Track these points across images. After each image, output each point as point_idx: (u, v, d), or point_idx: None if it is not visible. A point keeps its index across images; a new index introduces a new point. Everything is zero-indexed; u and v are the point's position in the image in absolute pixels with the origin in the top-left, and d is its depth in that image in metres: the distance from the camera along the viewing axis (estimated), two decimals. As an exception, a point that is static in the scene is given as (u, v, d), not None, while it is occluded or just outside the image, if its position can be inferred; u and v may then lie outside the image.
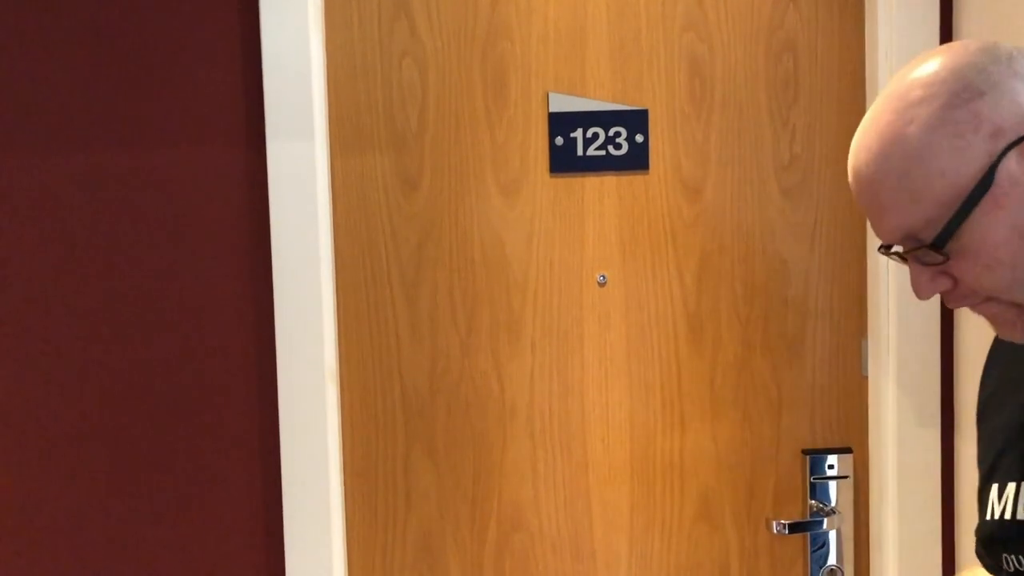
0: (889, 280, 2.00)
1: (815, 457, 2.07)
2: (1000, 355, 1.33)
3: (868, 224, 1.76)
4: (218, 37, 1.93)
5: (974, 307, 1.15)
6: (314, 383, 1.96)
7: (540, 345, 2.06)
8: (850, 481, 2.08)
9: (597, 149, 2.04)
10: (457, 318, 2.05)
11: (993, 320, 1.15)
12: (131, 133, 1.93)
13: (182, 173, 1.94)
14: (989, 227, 1.08)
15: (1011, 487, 1.21)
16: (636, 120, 2.04)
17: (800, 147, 2.06)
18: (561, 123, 2.03)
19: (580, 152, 2.04)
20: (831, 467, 2.08)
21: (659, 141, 2.05)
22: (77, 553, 1.97)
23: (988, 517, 1.24)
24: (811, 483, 2.08)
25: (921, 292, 1.14)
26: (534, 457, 2.07)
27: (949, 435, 2.03)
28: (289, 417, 1.95)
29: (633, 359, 2.07)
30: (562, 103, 2.03)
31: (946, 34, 1.98)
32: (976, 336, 1.91)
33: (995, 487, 1.24)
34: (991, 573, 1.26)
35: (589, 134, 2.04)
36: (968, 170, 1.07)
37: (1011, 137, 1.07)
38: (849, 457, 2.08)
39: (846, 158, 1.18)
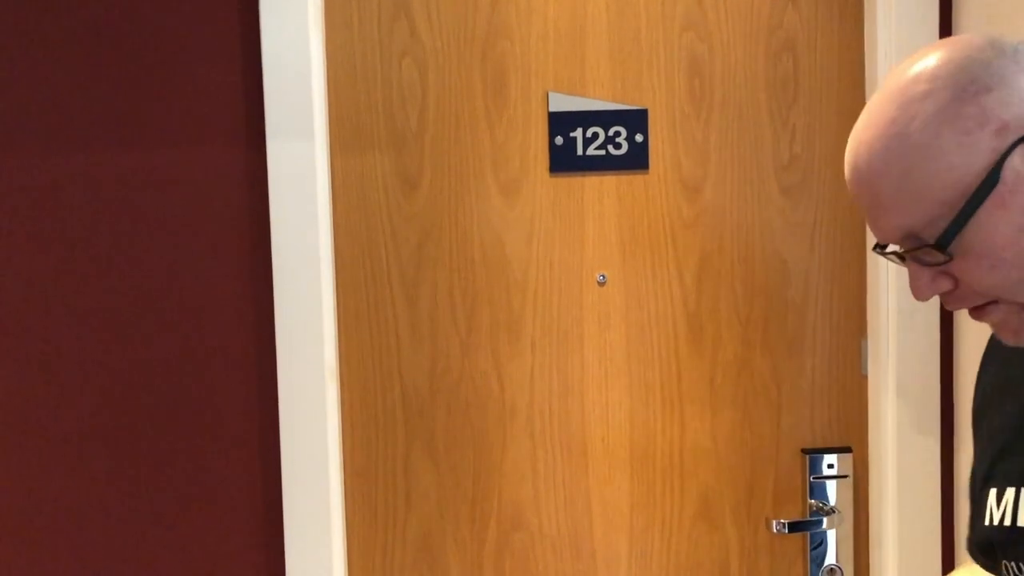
0: (889, 280, 2.00)
1: (815, 456, 2.08)
2: (996, 354, 1.30)
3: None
4: (218, 37, 1.93)
5: (976, 314, 1.11)
6: (314, 383, 1.96)
7: (540, 345, 2.06)
8: (850, 480, 2.08)
9: (597, 149, 2.04)
10: (457, 318, 2.05)
11: (997, 326, 1.12)
12: (131, 133, 1.93)
13: (182, 173, 1.94)
14: (994, 226, 1.04)
15: (1010, 492, 1.19)
16: (636, 120, 2.04)
17: (800, 147, 2.07)
18: (561, 123, 2.03)
19: (580, 152, 2.04)
20: (831, 466, 2.08)
21: (659, 141, 2.05)
22: (77, 553, 1.97)
23: (987, 523, 1.21)
24: (811, 482, 2.08)
25: (920, 293, 1.10)
26: (534, 457, 2.07)
27: (949, 434, 2.03)
28: (289, 417, 1.95)
29: (633, 359, 2.07)
30: (562, 103, 2.03)
31: (945, 34, 1.98)
32: (976, 335, 1.91)
33: (993, 491, 1.22)
34: (990, 575, 1.26)
35: (589, 134, 2.04)
36: (973, 168, 1.03)
37: (1017, 134, 1.03)
38: (849, 456, 2.08)
39: (846, 157, 1.15)
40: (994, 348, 1.30)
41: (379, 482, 2.06)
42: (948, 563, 2.03)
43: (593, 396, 2.07)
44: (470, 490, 2.07)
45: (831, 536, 2.08)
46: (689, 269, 2.06)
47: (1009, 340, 1.12)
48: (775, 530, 2.04)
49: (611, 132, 2.04)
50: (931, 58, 1.07)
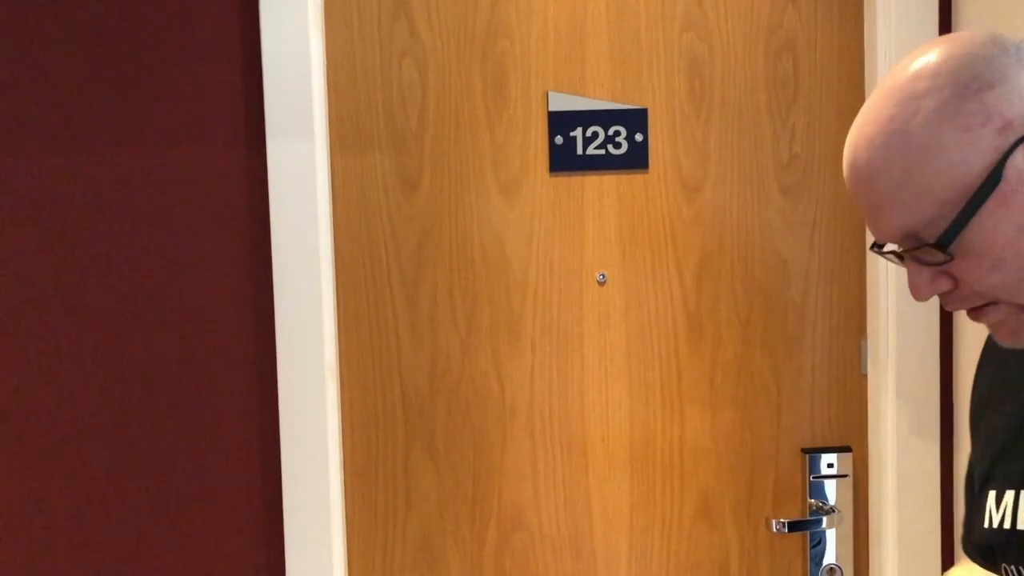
0: (889, 279, 2.00)
1: (814, 456, 2.08)
2: (993, 355, 1.28)
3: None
4: (218, 37, 1.93)
5: (974, 315, 1.10)
6: (314, 383, 1.96)
7: (540, 344, 2.06)
8: (849, 480, 2.09)
9: (597, 148, 2.04)
10: (457, 317, 2.05)
11: (995, 327, 1.10)
12: (131, 133, 1.93)
13: (182, 173, 1.94)
14: (995, 226, 1.02)
15: (1010, 495, 1.18)
16: (636, 119, 2.04)
17: (799, 146, 2.07)
18: (561, 122, 2.03)
19: (580, 151, 2.04)
20: (830, 466, 2.08)
21: (659, 140, 2.05)
22: (77, 553, 1.97)
23: (986, 525, 1.20)
24: (810, 482, 2.08)
25: (919, 293, 1.08)
26: (534, 456, 2.07)
27: (948, 433, 2.03)
28: (289, 417, 1.95)
29: (633, 358, 2.07)
30: (562, 102, 2.03)
31: (945, 33, 1.98)
32: (975, 335, 1.91)
33: (992, 494, 1.20)
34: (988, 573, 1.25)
35: (589, 133, 2.04)
36: (975, 166, 1.01)
37: (1020, 132, 1.01)
38: (848, 456, 2.08)
39: (845, 155, 1.13)
40: (991, 349, 1.29)
41: (379, 482, 2.06)
42: (948, 562, 2.04)
43: (593, 396, 2.07)
44: (470, 490, 2.07)
45: (831, 535, 2.08)
46: (689, 269, 2.07)
47: (1006, 342, 1.11)
48: (775, 529, 2.05)
49: (611, 132, 2.04)
50: (932, 54, 1.05)
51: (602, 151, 2.04)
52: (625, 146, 2.04)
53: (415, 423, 2.06)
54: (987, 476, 1.22)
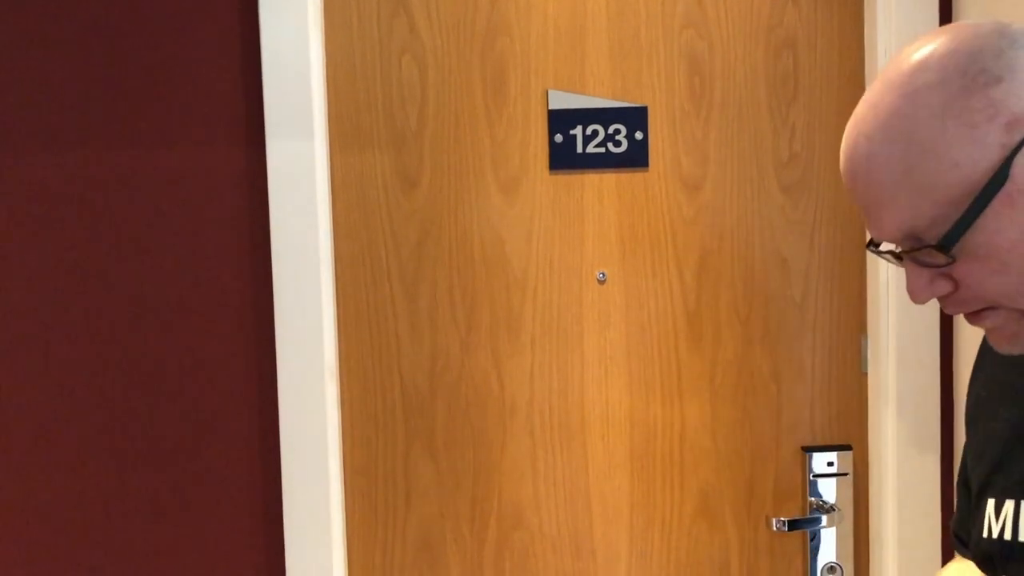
0: (889, 277, 2.00)
1: (815, 454, 2.07)
2: (991, 355, 1.21)
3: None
4: (217, 36, 1.92)
5: (973, 319, 1.05)
6: (314, 381, 1.96)
7: (540, 343, 2.06)
8: (850, 478, 2.08)
9: (596, 146, 2.04)
10: (457, 316, 2.04)
11: (993, 332, 1.05)
12: (131, 132, 1.93)
13: (182, 172, 1.94)
14: (1000, 228, 0.97)
15: (1010, 505, 1.14)
16: (636, 117, 2.04)
17: (800, 144, 2.06)
18: (560, 120, 2.03)
19: (580, 149, 2.04)
20: (831, 464, 2.08)
21: (659, 138, 2.05)
22: (77, 553, 1.97)
23: (984, 534, 1.17)
24: (811, 480, 2.08)
25: (918, 296, 1.03)
26: (534, 455, 2.07)
27: (949, 432, 2.03)
28: (289, 415, 1.95)
29: (633, 357, 2.07)
30: (561, 100, 2.03)
31: (946, 31, 1.97)
32: (976, 333, 1.91)
33: (991, 502, 1.16)
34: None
35: (588, 131, 2.04)
36: (981, 164, 0.96)
37: None
38: (849, 454, 2.08)
39: (844, 153, 1.10)
40: (988, 350, 1.23)
41: (379, 481, 2.06)
42: (948, 560, 2.03)
43: (593, 394, 2.07)
44: (470, 488, 2.06)
45: (831, 534, 2.08)
46: (689, 267, 2.06)
47: (1003, 347, 1.06)
48: (775, 528, 2.04)
49: (611, 130, 2.04)
50: (937, 44, 0.99)
51: (602, 149, 2.04)
52: (625, 144, 2.04)
53: (415, 422, 2.05)
54: (985, 483, 1.19)
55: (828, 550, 2.09)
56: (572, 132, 2.03)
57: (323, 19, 1.99)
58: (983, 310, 1.03)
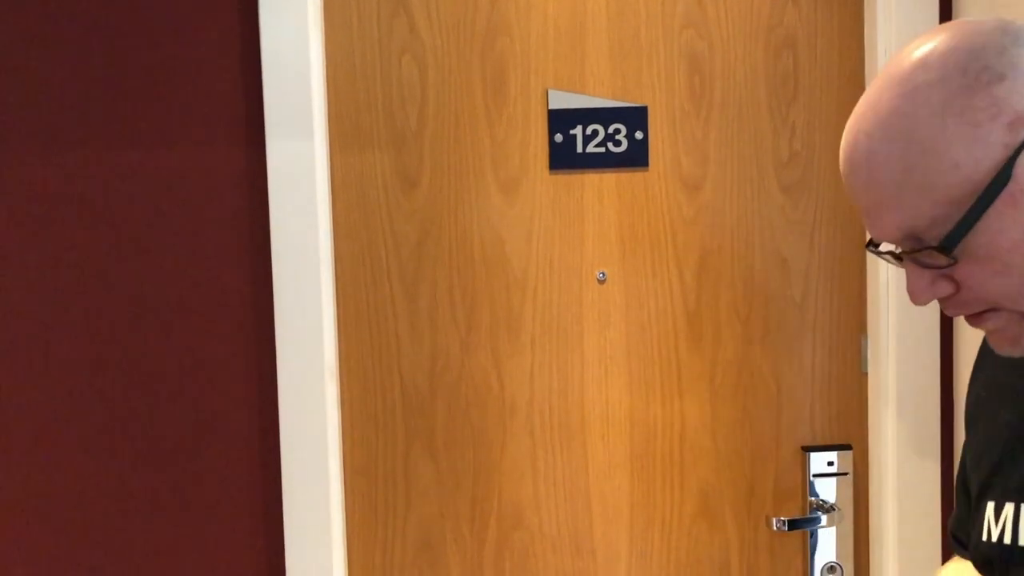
0: (889, 277, 2.00)
1: (815, 454, 2.07)
2: (989, 358, 1.22)
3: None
4: (218, 36, 1.92)
5: (973, 321, 1.04)
6: (314, 381, 1.96)
7: (540, 342, 2.06)
8: (850, 478, 2.08)
9: (597, 146, 2.04)
10: (457, 316, 2.04)
11: (993, 334, 1.04)
12: (130, 132, 1.93)
13: (182, 172, 1.94)
14: (1003, 228, 0.95)
15: (1009, 508, 1.12)
16: (636, 117, 2.04)
17: (800, 144, 2.06)
18: (560, 120, 2.03)
19: (580, 149, 2.04)
20: (831, 464, 2.08)
21: (659, 138, 2.05)
22: (77, 552, 1.97)
23: (984, 537, 1.15)
24: (811, 480, 2.08)
25: (918, 297, 1.01)
26: (534, 455, 2.07)
27: (949, 431, 2.03)
28: (289, 415, 1.95)
29: (633, 356, 2.07)
30: (561, 100, 2.03)
31: (946, 31, 1.97)
32: (976, 332, 1.91)
33: (991, 505, 1.15)
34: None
35: (588, 131, 2.03)
36: (983, 164, 0.94)
37: None
38: (849, 454, 2.08)
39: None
40: (989, 351, 1.19)
41: (379, 480, 2.06)
42: (948, 560, 2.03)
43: (593, 394, 2.07)
44: (470, 488, 2.06)
45: (831, 534, 2.08)
46: (689, 267, 2.06)
47: (1004, 349, 1.04)
48: (775, 528, 2.04)
49: (611, 129, 2.04)
50: (937, 42, 0.97)
51: (602, 149, 2.04)
52: (625, 144, 2.04)
53: (415, 421, 2.05)
54: (984, 485, 1.18)
55: (828, 550, 2.09)
56: (572, 132, 2.03)
57: (323, 19, 1.99)
58: (984, 312, 1.02)
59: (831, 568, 2.09)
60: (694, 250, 2.06)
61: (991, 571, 1.16)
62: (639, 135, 2.04)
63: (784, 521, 2.04)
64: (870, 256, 2.05)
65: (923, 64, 0.97)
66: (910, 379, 2.01)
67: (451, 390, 2.05)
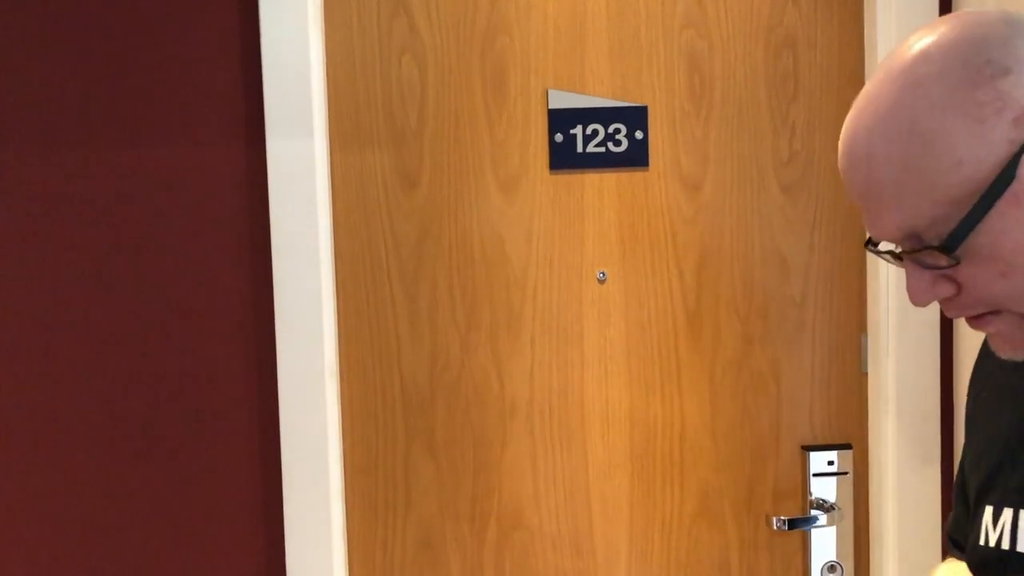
0: (889, 276, 2.00)
1: (815, 453, 2.08)
2: (991, 357, 1.15)
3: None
4: (217, 35, 1.92)
5: (975, 323, 1.01)
6: (314, 381, 1.96)
7: (540, 342, 2.06)
8: (850, 477, 2.09)
9: (597, 146, 2.04)
10: (457, 315, 2.04)
11: (995, 337, 1.01)
12: (130, 132, 1.93)
13: (182, 171, 1.94)
14: (1006, 228, 0.92)
15: (1008, 513, 1.10)
16: (636, 117, 2.04)
17: (800, 144, 2.06)
18: (560, 120, 2.03)
19: (580, 149, 2.04)
20: (831, 463, 2.08)
21: (659, 138, 2.05)
22: (77, 551, 1.97)
23: (981, 542, 1.13)
24: (811, 479, 2.08)
25: (919, 298, 0.98)
26: (534, 454, 2.07)
27: (949, 430, 2.03)
28: (289, 414, 1.95)
29: (633, 356, 2.07)
30: (561, 100, 2.03)
31: (946, 30, 1.97)
32: (975, 333, 1.91)
33: (989, 509, 1.13)
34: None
35: (588, 131, 2.03)
36: (987, 161, 0.90)
37: None
38: (849, 453, 2.08)
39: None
40: (989, 352, 1.17)
41: (379, 480, 2.06)
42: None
43: (593, 393, 2.07)
44: (470, 487, 2.07)
45: (831, 533, 2.09)
46: (689, 266, 2.06)
47: (1005, 352, 1.02)
48: (775, 527, 2.05)
49: (611, 129, 2.04)
50: (939, 34, 0.94)
51: (602, 149, 2.04)
52: (625, 144, 2.04)
53: (415, 420, 2.05)
54: (983, 489, 1.15)
55: (828, 549, 2.09)
56: (572, 131, 2.03)
57: (323, 19, 1.99)
58: (986, 314, 0.99)
59: (831, 567, 2.09)
60: (694, 250, 2.06)
61: (987, 575, 1.14)
62: (639, 135, 2.04)
63: (784, 520, 2.04)
64: (870, 256, 2.05)
65: (923, 57, 0.93)
66: (910, 379, 2.01)
67: (451, 389, 2.05)
